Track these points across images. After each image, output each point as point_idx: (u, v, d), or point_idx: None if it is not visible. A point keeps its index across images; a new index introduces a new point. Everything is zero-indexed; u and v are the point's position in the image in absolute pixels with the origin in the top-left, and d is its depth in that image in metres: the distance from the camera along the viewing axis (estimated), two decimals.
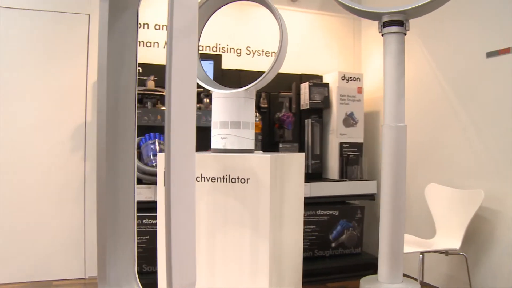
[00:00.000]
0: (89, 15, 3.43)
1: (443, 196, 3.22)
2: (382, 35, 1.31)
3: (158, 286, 1.49)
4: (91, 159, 3.43)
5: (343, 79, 3.90)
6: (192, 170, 0.99)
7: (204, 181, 1.46)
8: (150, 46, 3.61)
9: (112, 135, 1.10)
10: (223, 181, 1.46)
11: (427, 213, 3.31)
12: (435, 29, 3.48)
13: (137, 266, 2.99)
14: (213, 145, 1.66)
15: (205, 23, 1.89)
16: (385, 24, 1.28)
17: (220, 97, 1.64)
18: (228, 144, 1.59)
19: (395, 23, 1.26)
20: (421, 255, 2.86)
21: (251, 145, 1.68)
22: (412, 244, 3.03)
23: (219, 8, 1.89)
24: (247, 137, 1.64)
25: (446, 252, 2.94)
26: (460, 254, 2.95)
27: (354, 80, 3.96)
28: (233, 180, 1.43)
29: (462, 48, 3.23)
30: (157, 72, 3.45)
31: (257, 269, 1.37)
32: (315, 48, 4.24)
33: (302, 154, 1.80)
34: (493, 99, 2.98)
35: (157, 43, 3.63)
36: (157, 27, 3.63)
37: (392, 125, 1.25)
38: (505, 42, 2.90)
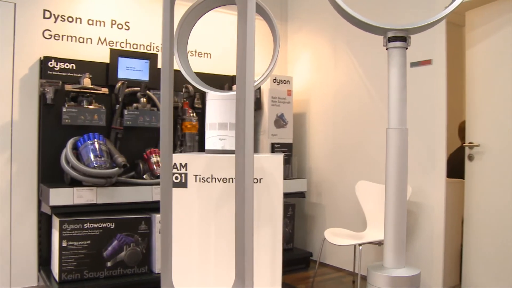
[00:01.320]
0: (15, 3, 3.15)
1: (373, 192, 3.51)
2: (387, 49, 1.44)
3: (162, 286, 1.47)
4: (18, 161, 3.16)
5: (274, 82, 4.05)
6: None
7: (216, 181, 1.48)
8: (83, 42, 3.42)
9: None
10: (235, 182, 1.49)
11: (358, 208, 3.59)
12: (362, 38, 3.77)
13: (78, 273, 2.84)
14: (210, 146, 1.67)
15: (192, 28, 1.89)
16: (390, 39, 1.42)
17: (218, 99, 1.66)
18: (227, 145, 1.62)
19: (400, 39, 1.40)
20: (360, 247, 3.11)
21: None
22: (346, 237, 3.27)
23: (207, 12, 1.89)
24: None
25: (379, 243, 3.22)
26: None
27: (285, 83, 4.13)
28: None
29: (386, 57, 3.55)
30: (92, 69, 3.29)
31: (274, 267, 1.42)
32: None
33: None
34: (416, 104, 3.33)
35: (90, 39, 3.45)
36: (90, 22, 3.45)
37: (396, 129, 1.39)
38: (426, 54, 3.26)
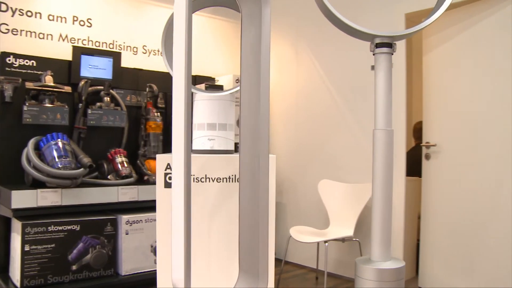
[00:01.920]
0: None
1: (335, 190, 3.63)
2: (374, 54, 1.52)
3: (158, 286, 1.48)
4: None
5: (237, 82, 4.09)
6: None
7: (210, 181, 1.50)
8: (43, 38, 3.30)
9: None
10: (229, 181, 1.51)
11: (320, 206, 3.70)
12: (323, 40, 3.89)
13: (41, 278, 2.75)
14: (199, 146, 1.68)
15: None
16: (377, 45, 1.50)
17: (207, 99, 1.68)
18: (216, 145, 1.64)
19: (386, 45, 1.49)
20: (326, 244, 3.20)
21: (233, 146, 1.76)
22: (311, 235, 3.37)
23: (197, 10, 1.90)
24: (232, 139, 1.71)
25: (343, 239, 3.34)
26: (354, 240, 3.38)
27: (238, 82, 4.17)
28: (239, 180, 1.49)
29: (349, 60, 3.69)
30: (54, 67, 3.18)
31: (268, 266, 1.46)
32: (207, 50, 4.34)
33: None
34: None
35: (51, 35, 3.34)
36: (50, 17, 3.33)
37: (383, 130, 1.47)
38: None
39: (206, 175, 1.50)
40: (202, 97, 1.70)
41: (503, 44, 2.89)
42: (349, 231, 3.33)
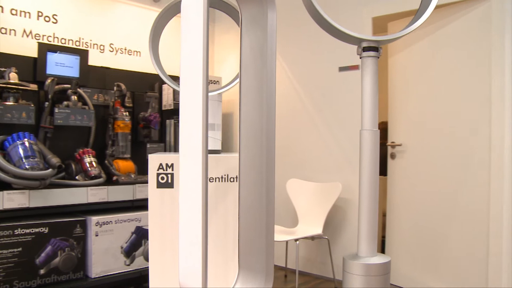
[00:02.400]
0: None
1: (304, 189, 3.70)
2: (360, 58, 1.58)
3: (150, 285, 1.47)
4: None
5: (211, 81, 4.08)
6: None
7: None
8: (6, 33, 3.17)
9: None
10: (221, 181, 1.52)
11: (289, 205, 3.75)
12: (292, 44, 3.95)
13: (7, 284, 2.65)
14: None
15: (162, 31, 1.89)
16: (364, 49, 1.56)
17: None
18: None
19: (373, 49, 1.55)
20: (297, 242, 3.26)
21: (220, 146, 1.78)
22: (281, 233, 3.42)
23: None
24: (219, 138, 1.73)
25: (312, 238, 3.41)
26: (323, 238, 3.46)
27: (214, 83, 4.18)
28: (232, 180, 1.51)
29: (317, 63, 3.77)
30: (18, 63, 3.06)
31: None
32: (174, 49, 4.29)
33: None
34: (344, 106, 3.58)
35: (14, 30, 3.21)
36: (13, 12, 3.21)
37: (369, 130, 1.53)
38: (355, 60, 3.52)
39: None
40: None
41: (465, 48, 3.05)
42: (318, 229, 3.40)
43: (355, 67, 3.52)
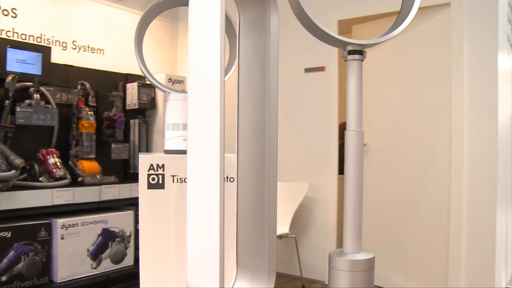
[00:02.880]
0: None
1: None
2: (346, 61, 1.63)
3: (141, 285, 1.46)
4: None
5: (169, 81, 4.04)
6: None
7: None
8: None
9: None
10: None
11: None
12: None
13: None
14: (173, 147, 1.68)
15: (146, 29, 1.86)
16: (350, 52, 1.61)
17: (182, 99, 1.68)
18: None
19: (358, 52, 1.60)
20: None
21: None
22: None
23: (165, 10, 1.88)
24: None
25: (280, 237, 3.46)
26: (290, 236, 3.52)
27: (179, 83, 4.15)
28: (231, 180, 1.52)
29: (282, 64, 3.82)
30: None
31: None
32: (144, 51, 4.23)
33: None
34: (309, 106, 3.65)
35: None
36: None
37: (354, 131, 1.59)
38: (321, 61, 3.60)
39: None
40: (176, 97, 1.70)
41: (426, 52, 3.20)
42: (285, 228, 3.46)
43: (321, 69, 3.60)
